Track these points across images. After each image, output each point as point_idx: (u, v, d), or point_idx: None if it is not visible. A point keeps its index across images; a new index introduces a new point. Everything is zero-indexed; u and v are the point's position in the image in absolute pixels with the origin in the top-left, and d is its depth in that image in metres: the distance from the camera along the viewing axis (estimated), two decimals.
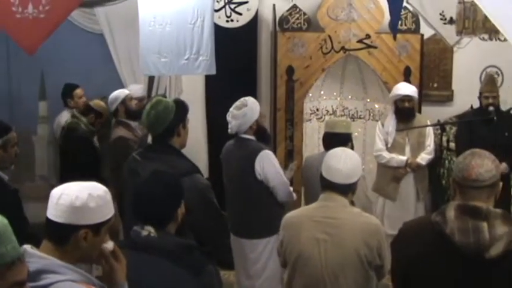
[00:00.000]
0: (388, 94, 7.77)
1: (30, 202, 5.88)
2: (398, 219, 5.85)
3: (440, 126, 7.38)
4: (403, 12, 7.50)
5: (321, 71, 7.99)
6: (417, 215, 6.98)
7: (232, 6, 7.98)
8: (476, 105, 7.51)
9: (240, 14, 8.00)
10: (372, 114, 8.52)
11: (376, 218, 4.27)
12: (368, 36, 7.92)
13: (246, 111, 5.46)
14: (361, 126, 8.61)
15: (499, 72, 8.87)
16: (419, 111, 7.72)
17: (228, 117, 5.53)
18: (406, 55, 7.99)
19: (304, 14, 7.90)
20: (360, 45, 7.94)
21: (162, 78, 8.09)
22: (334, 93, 8.61)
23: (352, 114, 8.61)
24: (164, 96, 7.20)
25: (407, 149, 7.23)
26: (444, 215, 3.03)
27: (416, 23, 7.99)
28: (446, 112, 8.65)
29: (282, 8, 7.98)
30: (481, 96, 7.27)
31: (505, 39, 4.93)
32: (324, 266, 3.91)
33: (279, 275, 5.44)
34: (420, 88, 7.77)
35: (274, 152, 7.04)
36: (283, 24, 7.87)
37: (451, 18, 7.34)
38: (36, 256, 2.63)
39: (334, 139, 5.68)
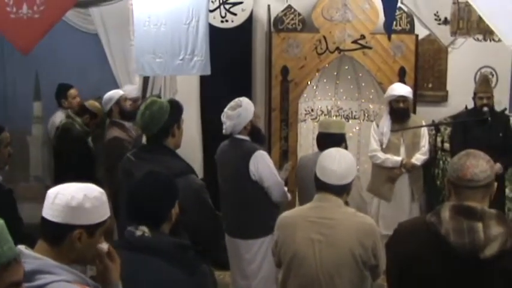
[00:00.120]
0: (382, 94, 7.78)
1: (24, 202, 5.87)
2: (393, 219, 5.88)
3: (435, 127, 7.39)
4: (397, 12, 7.50)
5: (315, 72, 8.00)
6: (412, 215, 6.99)
7: (227, 6, 7.98)
8: (471, 105, 7.53)
9: (235, 14, 8.00)
10: (366, 115, 8.53)
11: (370, 218, 4.28)
12: (363, 37, 7.93)
13: (241, 111, 5.46)
14: (356, 127, 8.62)
15: (493, 72, 8.88)
16: (414, 112, 7.73)
17: (223, 117, 5.53)
18: (401, 55, 8.00)
19: (299, 14, 7.91)
20: (354, 46, 7.95)
21: (156, 79, 8.07)
22: (329, 94, 8.62)
23: (347, 115, 8.62)
24: (159, 96, 7.19)
25: (402, 149, 7.25)
26: (439, 215, 3.04)
27: (411, 23, 8.00)
28: (440, 112, 8.66)
29: (277, 9, 7.98)
30: (475, 97, 7.29)
31: (499, 40, 4.95)
32: (318, 266, 3.91)
33: (274, 275, 5.44)
34: (415, 88, 7.79)
35: (269, 152, 7.05)
36: (278, 24, 7.87)
37: (446, 18, 7.35)
38: (31, 256, 2.63)
39: (328, 139, 5.69)
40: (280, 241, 4.12)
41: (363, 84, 8.44)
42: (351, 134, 8.38)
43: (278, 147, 7.93)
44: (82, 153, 7.01)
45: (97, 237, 2.80)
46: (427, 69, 8.85)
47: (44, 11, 5.62)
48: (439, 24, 7.52)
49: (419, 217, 4.57)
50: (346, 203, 4.14)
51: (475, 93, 7.30)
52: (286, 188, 5.78)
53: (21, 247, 2.60)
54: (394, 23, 7.50)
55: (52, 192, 2.75)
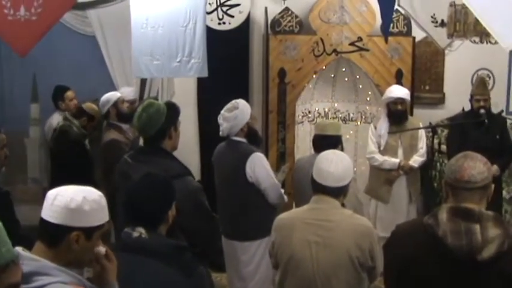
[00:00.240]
0: (380, 97, 7.79)
1: (22, 205, 5.89)
2: (391, 221, 5.89)
3: (432, 129, 7.39)
4: (394, 15, 7.52)
5: (312, 74, 8.00)
6: (409, 217, 6.99)
7: (225, 8, 7.99)
8: (468, 108, 7.53)
9: (232, 16, 8.01)
10: (363, 117, 8.54)
11: (367, 220, 4.28)
12: (360, 39, 7.94)
13: (237, 113, 5.46)
14: (353, 129, 8.62)
15: (490, 75, 8.89)
16: (411, 114, 7.73)
17: (219, 119, 5.54)
18: (398, 58, 8.01)
19: (296, 16, 7.91)
20: (351, 48, 7.95)
21: (154, 81, 8.09)
22: (326, 96, 8.62)
23: (344, 117, 8.62)
24: (156, 98, 7.21)
25: (400, 151, 7.25)
26: (436, 217, 3.04)
27: (408, 25, 8.01)
28: (437, 115, 8.66)
29: (274, 11, 7.98)
30: (472, 99, 7.30)
31: (496, 42, 4.96)
32: (315, 268, 3.91)
33: (271, 277, 5.43)
34: (412, 91, 7.79)
35: (266, 154, 7.06)
36: (275, 26, 7.88)
37: (442, 21, 7.36)
38: (28, 258, 2.63)
39: (324, 141, 5.71)
40: (277, 243, 4.12)
41: (360, 86, 8.44)
42: (348, 136, 8.39)
43: (275, 150, 7.93)
44: (79, 155, 7.01)
45: (94, 241, 2.80)
46: (424, 72, 8.85)
47: (42, 13, 5.64)
48: (435, 26, 7.53)
49: (416, 219, 4.56)
50: (343, 205, 4.15)
51: (471, 96, 7.32)
52: (283, 190, 5.79)
53: (19, 249, 2.61)
54: (391, 25, 7.52)
55: (52, 193, 2.76)
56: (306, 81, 7.99)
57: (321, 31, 7.90)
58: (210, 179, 6.05)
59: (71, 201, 2.71)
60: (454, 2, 6.77)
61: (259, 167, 5.47)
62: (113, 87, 7.90)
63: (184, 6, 6.59)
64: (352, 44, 7.94)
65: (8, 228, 2.27)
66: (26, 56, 5.82)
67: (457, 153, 3.22)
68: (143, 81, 8.09)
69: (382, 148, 7.25)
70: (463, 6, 6.48)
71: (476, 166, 3.06)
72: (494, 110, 7.60)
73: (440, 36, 7.54)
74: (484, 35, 7.08)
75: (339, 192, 4.02)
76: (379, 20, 7.42)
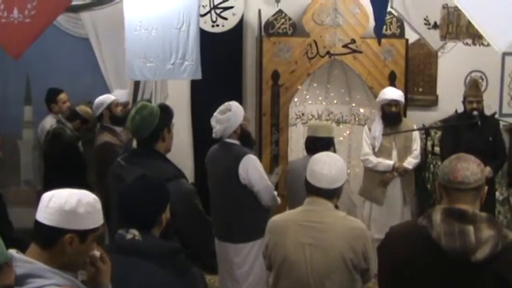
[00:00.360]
0: (373, 98, 7.80)
1: (15, 207, 5.88)
2: (385, 223, 5.89)
3: (425, 131, 7.41)
4: (387, 17, 7.52)
5: (306, 76, 8.00)
6: (404, 219, 7.00)
7: (218, 11, 7.99)
8: (461, 109, 7.55)
9: (226, 18, 8.01)
10: (357, 119, 8.54)
11: (361, 222, 4.30)
12: (353, 41, 7.94)
13: (230, 115, 5.47)
14: (347, 131, 8.63)
15: (483, 76, 8.91)
16: (405, 116, 7.74)
17: (212, 121, 5.54)
18: (391, 60, 8.02)
19: (290, 19, 7.91)
20: (345, 50, 7.95)
21: (147, 83, 8.09)
22: (320, 98, 8.62)
23: (338, 119, 8.63)
24: (149, 101, 7.20)
25: (394, 153, 7.25)
26: (430, 218, 3.05)
27: (401, 27, 8.02)
28: (431, 117, 8.68)
29: (268, 13, 7.98)
30: (465, 101, 7.32)
31: (488, 44, 4.97)
32: (309, 270, 3.92)
33: (265, 279, 5.44)
34: (405, 93, 7.77)
35: (260, 156, 7.06)
36: (268, 29, 7.88)
37: (435, 23, 7.37)
38: (21, 260, 2.64)
39: (317, 143, 5.74)
40: (271, 244, 4.13)
41: (354, 88, 8.45)
42: (341, 138, 8.40)
43: (269, 152, 7.93)
44: (72, 157, 7.00)
45: (89, 243, 2.80)
46: (417, 74, 8.86)
47: (35, 16, 5.64)
48: (428, 28, 7.53)
49: (410, 221, 4.58)
50: (336, 207, 4.15)
51: (465, 98, 7.33)
52: (276, 192, 5.79)
53: (13, 251, 2.61)
54: (384, 27, 7.53)
55: (47, 195, 2.77)
56: (300, 83, 7.99)
57: (315, 33, 7.91)
58: (203, 181, 6.05)
59: (66, 203, 2.71)
60: (447, 4, 6.79)
61: (252, 169, 5.47)
62: (106, 90, 7.90)
63: (178, 8, 6.59)
64: (345, 46, 7.94)
65: (1, 230, 2.29)
66: (20, 58, 5.81)
67: (450, 155, 3.24)
68: (137, 84, 8.09)
69: (376, 150, 7.25)
70: (456, 9, 6.49)
71: (469, 167, 3.07)
72: (487, 111, 7.61)
73: (433, 38, 7.55)
74: (476, 37, 7.11)
75: (332, 194, 4.04)
76: (372, 22, 7.40)
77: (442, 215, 3.02)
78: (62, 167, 6.71)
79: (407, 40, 8.10)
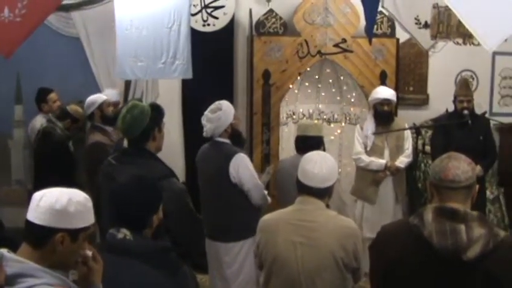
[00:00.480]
0: (364, 98, 7.82)
1: (6, 206, 5.86)
2: (377, 222, 5.89)
3: (416, 130, 7.43)
4: (378, 16, 7.51)
5: (297, 75, 8.00)
6: (396, 218, 7.00)
7: (209, 10, 7.98)
8: (452, 108, 7.57)
9: (217, 18, 8.00)
10: (348, 118, 8.55)
11: (352, 221, 4.30)
12: (344, 41, 7.94)
13: (221, 114, 5.47)
14: (338, 130, 8.63)
15: (474, 76, 8.95)
16: (396, 115, 7.76)
17: (203, 120, 5.54)
18: (382, 59, 8.02)
19: (281, 18, 7.91)
20: (336, 50, 7.95)
21: (138, 82, 8.08)
22: (311, 97, 8.62)
23: (329, 118, 8.62)
24: (140, 100, 7.19)
25: (386, 152, 7.27)
26: (422, 217, 3.06)
27: (392, 27, 8.02)
28: (421, 116, 8.70)
29: (259, 12, 7.97)
30: (455, 100, 7.33)
31: (479, 44, 4.98)
32: (300, 269, 3.92)
33: (255, 278, 5.44)
34: (396, 92, 7.80)
35: (251, 155, 7.05)
36: (259, 28, 7.87)
37: (426, 22, 7.39)
38: (12, 260, 2.63)
39: (307, 142, 5.77)
40: (262, 243, 4.13)
41: (345, 87, 8.45)
42: (332, 137, 8.41)
43: (260, 151, 7.92)
44: (63, 157, 6.99)
45: (80, 242, 2.80)
46: (408, 73, 8.88)
47: (26, 15, 5.61)
48: (419, 28, 7.55)
49: (402, 219, 4.59)
50: (327, 206, 4.16)
51: (455, 97, 7.35)
52: (266, 192, 5.79)
53: (3, 251, 2.61)
54: (375, 26, 7.55)
55: (38, 194, 2.77)
56: (291, 82, 7.99)
57: (305, 32, 7.91)
58: (194, 180, 6.05)
59: (56, 202, 2.71)
60: (438, 4, 6.82)
61: (242, 167, 5.47)
62: (97, 89, 7.89)
63: (169, 7, 6.59)
64: (336, 45, 7.94)
65: None
66: (11, 57, 5.79)
67: (441, 154, 3.25)
68: (128, 83, 8.08)
69: (368, 149, 7.26)
70: (447, 8, 6.53)
71: (460, 166, 3.09)
72: (478, 111, 7.64)
73: (423, 37, 7.57)
74: (467, 37, 7.14)
75: (323, 193, 4.05)
76: (363, 22, 7.42)
77: (433, 214, 3.03)
78: (52, 166, 6.70)
79: (398, 39, 8.10)
